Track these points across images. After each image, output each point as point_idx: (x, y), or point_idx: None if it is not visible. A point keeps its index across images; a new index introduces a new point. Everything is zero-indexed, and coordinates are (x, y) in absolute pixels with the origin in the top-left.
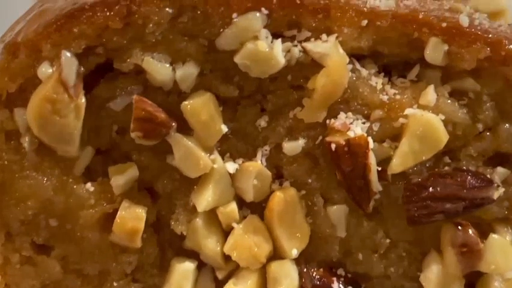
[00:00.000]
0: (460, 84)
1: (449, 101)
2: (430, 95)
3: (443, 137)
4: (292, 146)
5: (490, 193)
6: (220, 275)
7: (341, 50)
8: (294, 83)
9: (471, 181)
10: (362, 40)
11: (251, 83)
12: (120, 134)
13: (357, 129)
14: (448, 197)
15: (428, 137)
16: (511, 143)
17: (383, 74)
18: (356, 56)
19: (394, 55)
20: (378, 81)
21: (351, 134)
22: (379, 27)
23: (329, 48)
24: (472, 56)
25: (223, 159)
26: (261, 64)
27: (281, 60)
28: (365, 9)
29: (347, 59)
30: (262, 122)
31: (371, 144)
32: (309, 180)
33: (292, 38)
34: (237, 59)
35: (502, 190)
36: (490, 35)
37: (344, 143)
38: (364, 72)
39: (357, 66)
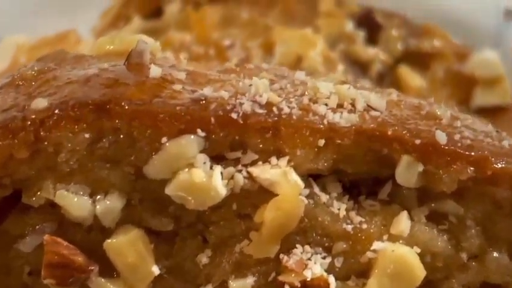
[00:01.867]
0: (439, 206)
1: (426, 228)
2: (403, 223)
3: (419, 273)
4: (240, 285)
5: None
6: None
7: (294, 176)
8: (241, 211)
9: None
10: (319, 161)
11: (190, 212)
12: (33, 275)
13: (316, 266)
14: None
15: (401, 275)
16: (501, 274)
17: (347, 196)
18: (315, 176)
19: (361, 173)
20: (341, 207)
21: (308, 273)
22: (340, 145)
23: (279, 175)
24: (452, 178)
25: None
26: (198, 196)
27: (222, 191)
28: (322, 126)
29: (302, 187)
30: (204, 258)
31: (333, 285)
32: None
33: (236, 161)
34: (169, 190)
35: None
36: (473, 152)
37: (299, 285)
38: (324, 197)
39: (316, 190)
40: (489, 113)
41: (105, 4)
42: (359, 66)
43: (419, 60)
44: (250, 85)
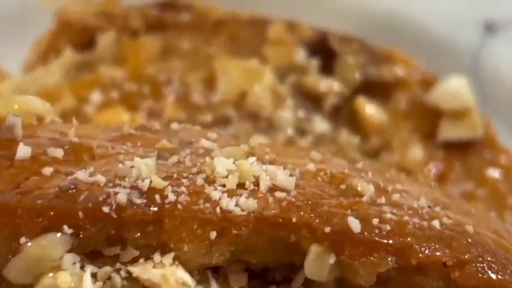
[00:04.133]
0: None
1: None
2: None
3: None
4: None
5: None
6: None
7: (182, 274)
8: None
9: None
10: (213, 255)
11: None
12: None
13: None
14: None
15: None
16: None
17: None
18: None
19: (269, 262)
20: None
21: None
22: (238, 235)
23: (162, 276)
24: (369, 270)
25: None
26: None
27: None
28: (214, 216)
29: (192, 286)
30: None
31: None
32: None
33: (114, 259)
34: None
35: None
36: (394, 240)
37: None
38: None
39: (213, 285)
40: (457, 147)
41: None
42: (312, 100)
43: (379, 90)
44: (132, 167)
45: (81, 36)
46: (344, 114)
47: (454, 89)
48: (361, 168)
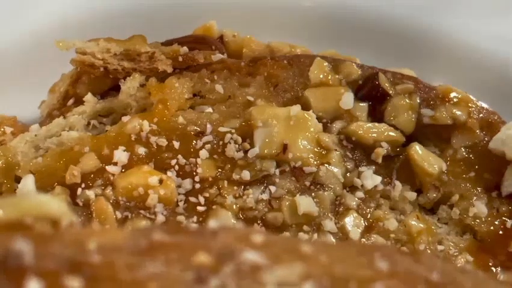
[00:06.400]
0: None
1: None
2: None
3: None
4: None
5: None
6: None
7: None
8: None
9: None
10: None
11: None
12: None
13: None
14: None
15: None
16: None
17: None
18: None
19: None
20: None
21: None
22: None
23: None
24: None
25: None
26: None
27: None
28: None
29: None
30: None
31: None
32: None
33: None
34: None
35: None
36: None
37: None
38: None
39: None
40: None
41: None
42: (361, 150)
43: (436, 135)
44: None
45: (103, 80)
46: (397, 164)
47: None
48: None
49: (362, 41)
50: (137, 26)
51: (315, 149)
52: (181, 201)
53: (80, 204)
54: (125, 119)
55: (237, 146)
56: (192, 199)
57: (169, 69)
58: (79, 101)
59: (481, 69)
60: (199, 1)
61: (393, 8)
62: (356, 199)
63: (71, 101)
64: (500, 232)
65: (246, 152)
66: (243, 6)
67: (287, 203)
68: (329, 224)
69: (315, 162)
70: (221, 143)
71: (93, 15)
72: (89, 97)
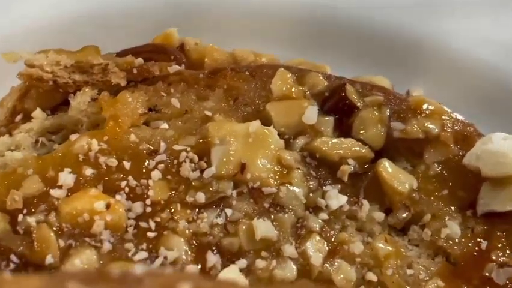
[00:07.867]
0: None
1: None
2: None
3: None
4: None
5: None
6: None
7: None
8: None
9: None
10: None
11: None
12: None
13: None
14: None
15: None
16: None
17: None
18: None
19: None
20: None
21: None
22: None
23: None
24: None
25: None
26: None
27: None
28: None
29: None
30: None
31: None
32: None
33: None
34: None
35: None
36: None
37: None
38: None
39: None
40: (502, 219)
41: None
42: (326, 167)
43: (407, 150)
44: None
45: (52, 95)
46: (365, 182)
47: (498, 149)
48: None
49: (337, 47)
50: (97, 34)
51: (275, 168)
52: (130, 226)
53: (21, 232)
54: (73, 137)
55: (192, 165)
56: (143, 224)
57: (123, 82)
58: (28, 117)
59: (465, 74)
60: (162, 8)
61: (371, 11)
62: (320, 221)
63: (19, 117)
64: (475, 254)
65: (202, 171)
66: (206, 12)
67: (244, 227)
68: (289, 249)
69: (275, 183)
70: (175, 162)
71: (51, 24)
72: (37, 113)
